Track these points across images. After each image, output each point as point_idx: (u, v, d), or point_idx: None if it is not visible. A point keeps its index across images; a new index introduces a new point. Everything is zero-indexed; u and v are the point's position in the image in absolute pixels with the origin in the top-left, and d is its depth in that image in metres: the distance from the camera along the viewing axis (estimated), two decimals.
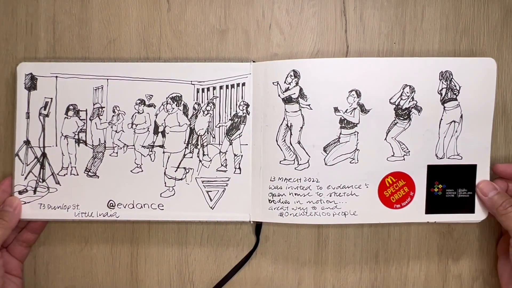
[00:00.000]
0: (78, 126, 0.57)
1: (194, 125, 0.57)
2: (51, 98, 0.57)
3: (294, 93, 0.55)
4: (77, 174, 0.57)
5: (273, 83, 0.55)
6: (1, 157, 0.58)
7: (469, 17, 0.58)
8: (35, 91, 0.57)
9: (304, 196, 0.56)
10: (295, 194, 0.56)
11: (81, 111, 0.57)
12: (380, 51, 0.58)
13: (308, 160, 0.55)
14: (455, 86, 0.55)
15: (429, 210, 0.56)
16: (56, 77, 0.57)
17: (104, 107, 0.57)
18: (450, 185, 0.56)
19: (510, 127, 0.58)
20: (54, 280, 0.59)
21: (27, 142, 0.57)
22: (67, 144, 0.57)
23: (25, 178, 0.57)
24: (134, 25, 0.58)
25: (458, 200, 0.56)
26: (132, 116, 0.57)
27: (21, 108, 0.57)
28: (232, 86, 0.56)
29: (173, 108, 0.57)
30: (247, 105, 0.56)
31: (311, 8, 0.58)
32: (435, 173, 0.56)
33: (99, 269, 0.59)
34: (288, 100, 0.55)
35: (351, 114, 0.55)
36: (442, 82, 0.55)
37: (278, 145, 0.56)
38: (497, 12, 0.58)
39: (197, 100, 0.57)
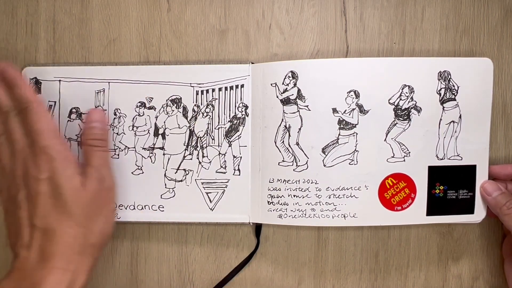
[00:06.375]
0: (81, 129, 0.59)
1: (193, 127, 0.59)
2: (55, 102, 0.59)
3: (292, 94, 0.57)
4: None
5: (271, 84, 0.57)
6: None
7: (469, 17, 0.60)
8: (39, 95, 0.59)
9: (303, 197, 0.57)
10: (294, 195, 0.57)
11: (84, 114, 0.59)
12: (380, 51, 0.60)
13: (306, 162, 0.57)
14: (454, 86, 0.57)
15: (430, 212, 0.58)
16: (60, 81, 0.59)
17: (105, 110, 0.59)
18: (451, 186, 0.58)
19: (510, 127, 0.60)
20: None
21: None
22: (70, 146, 0.59)
23: None
24: (134, 25, 0.60)
25: (459, 202, 0.58)
26: (133, 118, 0.59)
27: None
28: (231, 87, 0.58)
29: (173, 111, 0.59)
30: (246, 107, 0.59)
31: (311, 8, 0.60)
32: (436, 174, 0.58)
33: (99, 269, 0.61)
34: (286, 101, 0.57)
35: (349, 115, 0.57)
36: (441, 82, 0.57)
37: (277, 146, 0.57)
38: (497, 12, 0.60)
39: (196, 102, 0.59)
